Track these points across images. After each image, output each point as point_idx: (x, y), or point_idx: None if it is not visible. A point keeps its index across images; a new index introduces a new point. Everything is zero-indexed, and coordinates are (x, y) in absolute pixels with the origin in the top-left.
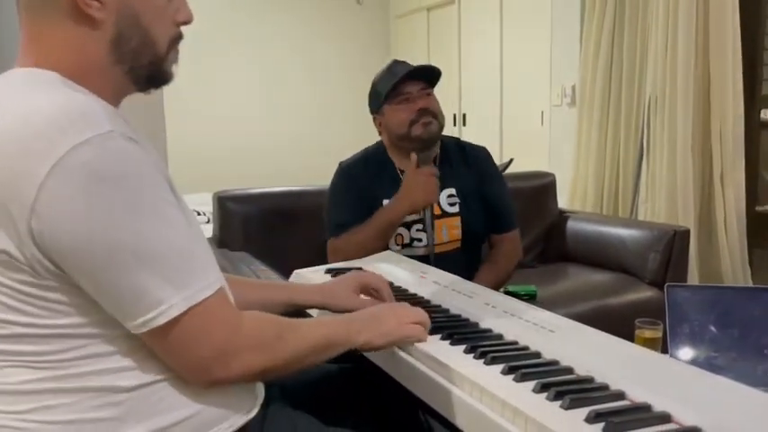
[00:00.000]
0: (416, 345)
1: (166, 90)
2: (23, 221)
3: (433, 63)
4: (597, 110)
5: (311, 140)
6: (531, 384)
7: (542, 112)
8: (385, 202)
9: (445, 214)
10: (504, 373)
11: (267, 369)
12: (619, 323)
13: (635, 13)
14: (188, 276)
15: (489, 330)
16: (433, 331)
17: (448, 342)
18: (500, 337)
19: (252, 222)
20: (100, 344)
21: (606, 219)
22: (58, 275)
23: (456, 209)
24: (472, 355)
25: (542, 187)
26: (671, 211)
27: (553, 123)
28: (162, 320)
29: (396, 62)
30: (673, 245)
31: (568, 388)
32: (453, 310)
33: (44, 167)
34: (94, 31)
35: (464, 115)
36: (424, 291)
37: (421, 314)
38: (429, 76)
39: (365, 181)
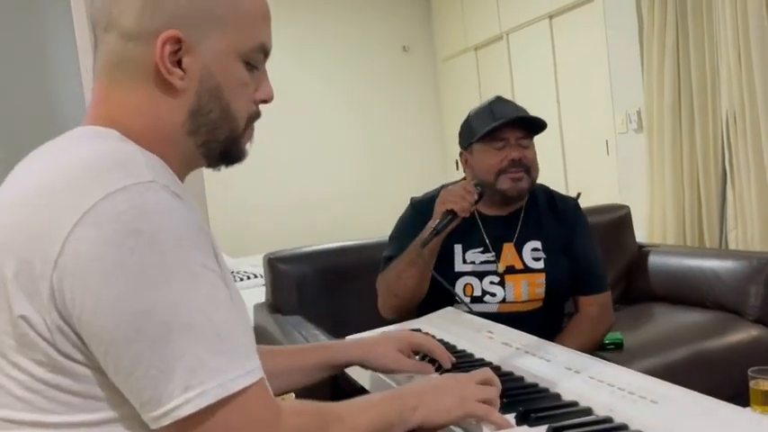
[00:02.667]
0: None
1: None
2: (46, 279)
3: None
4: (669, 133)
5: (364, 193)
6: None
7: (607, 141)
8: (457, 248)
9: (527, 269)
10: None
11: None
12: (724, 370)
13: (699, 23)
14: (226, 359)
15: (575, 404)
16: (505, 408)
17: (526, 425)
18: (588, 411)
19: (306, 283)
20: None
21: (693, 250)
22: (80, 351)
23: (541, 264)
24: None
25: (617, 221)
26: (766, 236)
27: (620, 152)
28: (188, 411)
29: (498, 99)
30: None
31: None
32: (528, 378)
33: (73, 217)
34: (173, 99)
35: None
36: (490, 354)
37: (491, 391)
38: (532, 125)
39: None
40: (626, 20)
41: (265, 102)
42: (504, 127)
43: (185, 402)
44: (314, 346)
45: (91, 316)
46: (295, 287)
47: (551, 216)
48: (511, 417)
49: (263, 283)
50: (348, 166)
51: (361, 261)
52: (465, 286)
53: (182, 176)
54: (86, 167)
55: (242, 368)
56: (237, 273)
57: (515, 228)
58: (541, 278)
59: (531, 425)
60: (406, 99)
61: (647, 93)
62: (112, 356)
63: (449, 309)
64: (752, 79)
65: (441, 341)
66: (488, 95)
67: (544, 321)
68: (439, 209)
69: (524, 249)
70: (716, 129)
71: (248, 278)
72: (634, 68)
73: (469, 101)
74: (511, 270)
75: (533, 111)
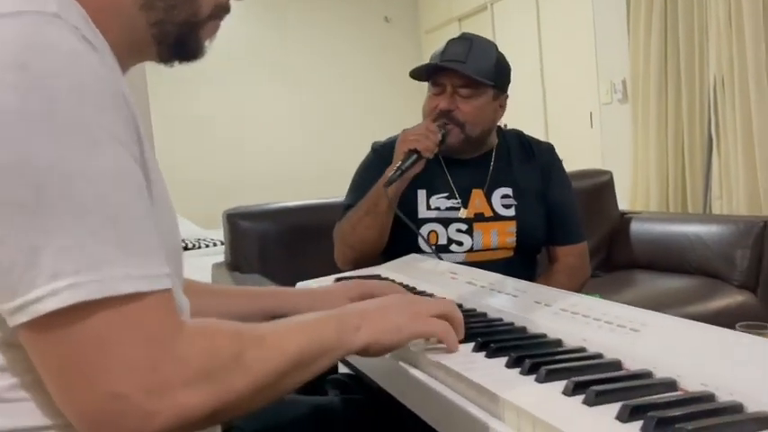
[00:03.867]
0: (435, 356)
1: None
2: None
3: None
4: (654, 102)
5: (345, 164)
6: (616, 407)
7: (591, 113)
8: (420, 193)
9: (497, 217)
10: (569, 392)
11: (221, 409)
12: None
13: None
14: (115, 250)
15: (542, 336)
16: (463, 340)
17: (483, 354)
18: (558, 343)
19: (268, 241)
20: None
21: (677, 216)
22: None
23: (511, 212)
24: (518, 369)
25: (599, 187)
26: (752, 204)
27: (604, 124)
28: (51, 305)
29: (461, 37)
30: (764, 239)
31: (681, 413)
32: (493, 314)
33: None
34: None
35: (505, 125)
36: (452, 293)
37: (447, 305)
38: (467, 77)
39: None
40: None
41: None
42: (440, 71)
43: (51, 294)
44: (255, 291)
45: None
46: (256, 245)
47: (524, 161)
48: (467, 348)
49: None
50: (330, 135)
51: (328, 220)
52: (429, 234)
53: (124, 64)
54: None
55: (138, 268)
56: (203, 240)
57: (486, 173)
58: (512, 226)
59: (489, 356)
60: (387, 71)
61: (632, 60)
62: None
63: (413, 255)
64: (742, 39)
65: (405, 286)
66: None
67: (516, 270)
68: (400, 149)
69: (494, 196)
70: (702, 94)
71: (213, 245)
72: (620, 37)
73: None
74: (480, 217)
75: (517, 84)
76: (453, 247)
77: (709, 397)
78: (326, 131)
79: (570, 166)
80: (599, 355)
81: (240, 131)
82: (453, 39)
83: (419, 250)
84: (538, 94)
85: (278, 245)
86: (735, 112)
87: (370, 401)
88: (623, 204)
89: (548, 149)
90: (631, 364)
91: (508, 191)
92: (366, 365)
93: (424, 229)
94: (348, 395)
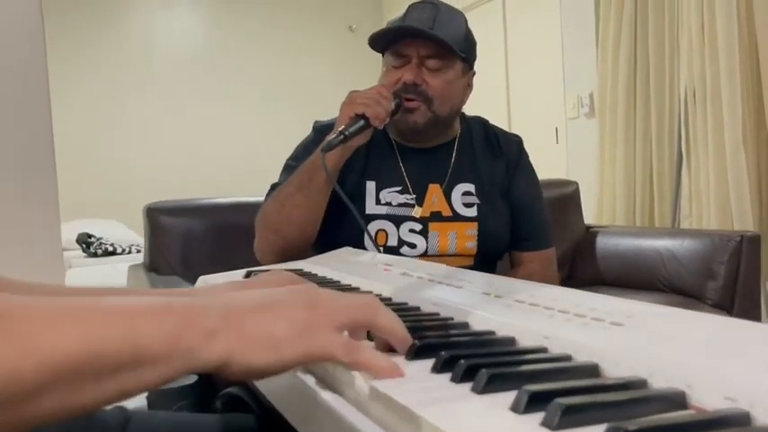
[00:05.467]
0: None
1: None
2: None
3: None
4: (622, 115)
5: None
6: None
7: (557, 129)
8: (369, 184)
9: (457, 217)
10: (521, 409)
11: None
12: None
13: None
14: None
15: (488, 333)
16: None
17: (402, 357)
18: (510, 342)
19: (193, 240)
20: None
21: (646, 230)
22: None
23: (473, 212)
24: (448, 374)
25: (564, 198)
26: (724, 220)
27: (570, 139)
28: None
29: (426, 2)
30: (740, 255)
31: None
32: (427, 308)
33: None
34: None
35: None
36: (383, 286)
37: (366, 307)
38: (440, 43)
39: None
40: None
41: None
42: (402, 39)
43: None
44: (122, 293)
45: None
46: (179, 244)
47: (489, 154)
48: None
49: None
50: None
51: None
52: (377, 233)
53: None
54: None
55: None
56: (136, 245)
57: (446, 166)
58: (472, 228)
59: (412, 358)
60: (352, 81)
61: (600, 73)
62: None
63: (347, 248)
64: (715, 50)
65: (322, 279)
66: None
67: None
68: (345, 112)
69: (454, 192)
70: (672, 108)
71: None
72: (588, 49)
73: None
74: (436, 217)
75: (482, 97)
76: (405, 249)
77: (738, 418)
78: (293, 141)
79: None
80: (566, 357)
81: (195, 139)
82: (416, 2)
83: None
84: (503, 108)
85: (203, 244)
86: (706, 126)
87: (263, 424)
88: (589, 220)
89: (515, 141)
90: (613, 369)
91: (470, 187)
92: (278, 394)
93: (372, 227)
94: (243, 413)
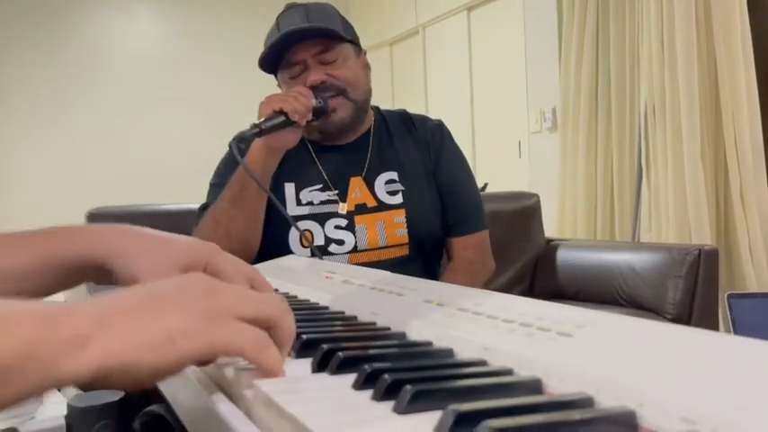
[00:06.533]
0: (255, 376)
1: None
2: None
3: (399, 99)
4: (584, 129)
5: None
6: None
7: (519, 143)
8: (288, 186)
9: (382, 206)
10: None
11: None
12: None
13: (621, 7)
14: None
15: (424, 344)
16: (302, 349)
17: (326, 372)
18: (447, 353)
19: None
20: None
21: (606, 244)
22: None
23: (398, 198)
24: (369, 392)
25: (525, 210)
26: (682, 234)
27: (532, 153)
28: None
29: (289, 8)
30: (699, 268)
31: None
32: (365, 317)
33: None
34: None
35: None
36: (325, 295)
37: (269, 301)
38: (325, 32)
39: None
40: (546, 11)
41: None
42: (289, 46)
43: None
44: (35, 234)
45: None
46: None
47: (408, 138)
48: (302, 364)
49: None
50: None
51: None
52: (303, 234)
53: None
54: None
55: None
56: None
57: (364, 157)
58: (400, 216)
59: (334, 372)
60: None
61: (563, 88)
62: None
63: (291, 255)
64: (674, 66)
65: None
66: (401, 93)
67: (413, 273)
68: (263, 111)
69: (377, 182)
70: (633, 123)
71: None
72: (551, 64)
73: (381, 99)
74: (361, 209)
75: (446, 111)
76: (333, 247)
77: None
78: None
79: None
80: (506, 371)
81: (149, 146)
82: (284, 11)
83: (291, 254)
84: (466, 121)
85: None
86: (665, 140)
87: None
88: (550, 234)
89: (435, 124)
90: (558, 384)
91: (393, 175)
92: (173, 394)
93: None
94: None
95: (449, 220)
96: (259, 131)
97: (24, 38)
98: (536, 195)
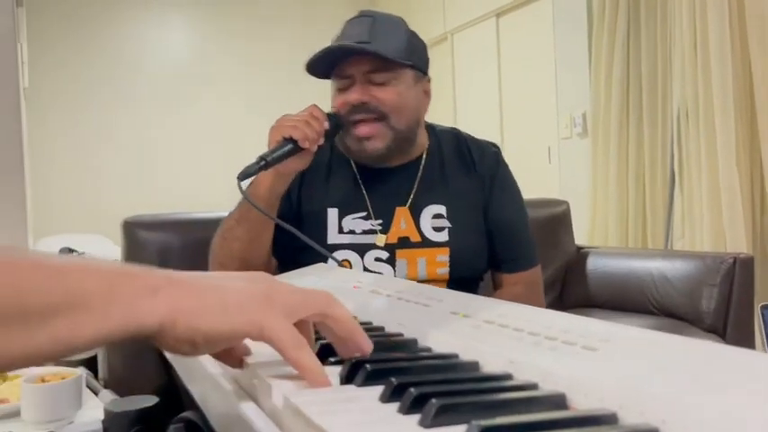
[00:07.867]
0: (280, 385)
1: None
2: None
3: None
4: (615, 135)
5: None
6: None
7: (549, 148)
8: (331, 212)
9: (426, 243)
10: None
11: None
12: None
13: (652, 10)
14: None
15: (451, 356)
16: (326, 357)
17: (354, 384)
18: (472, 366)
19: (170, 255)
20: None
21: (638, 251)
22: None
23: (443, 236)
24: (396, 405)
25: (555, 218)
26: (717, 241)
27: (562, 159)
28: None
29: (359, 17)
30: (734, 277)
31: None
32: (392, 328)
33: None
34: None
35: None
36: (352, 304)
37: (322, 298)
38: (374, 55)
39: (304, 175)
40: (576, 16)
41: None
42: (342, 60)
43: None
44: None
45: None
46: (156, 259)
47: (461, 168)
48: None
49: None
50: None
51: None
52: (340, 264)
53: None
54: None
55: None
56: (117, 260)
57: (411, 184)
58: (444, 254)
59: (362, 384)
60: None
61: (593, 93)
62: None
63: (320, 264)
64: (708, 69)
65: None
66: (431, 100)
67: None
68: (273, 137)
69: (423, 215)
70: (665, 128)
71: None
72: (581, 69)
73: None
74: (404, 243)
75: (475, 117)
76: None
77: None
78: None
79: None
80: (531, 386)
81: (183, 154)
82: (352, 18)
83: None
84: (495, 127)
85: (181, 260)
86: (699, 146)
87: None
88: (580, 241)
89: (492, 153)
90: (582, 400)
91: (441, 209)
92: (206, 401)
93: (335, 257)
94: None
95: (501, 256)
96: (265, 164)
97: (61, 50)
98: (566, 202)
